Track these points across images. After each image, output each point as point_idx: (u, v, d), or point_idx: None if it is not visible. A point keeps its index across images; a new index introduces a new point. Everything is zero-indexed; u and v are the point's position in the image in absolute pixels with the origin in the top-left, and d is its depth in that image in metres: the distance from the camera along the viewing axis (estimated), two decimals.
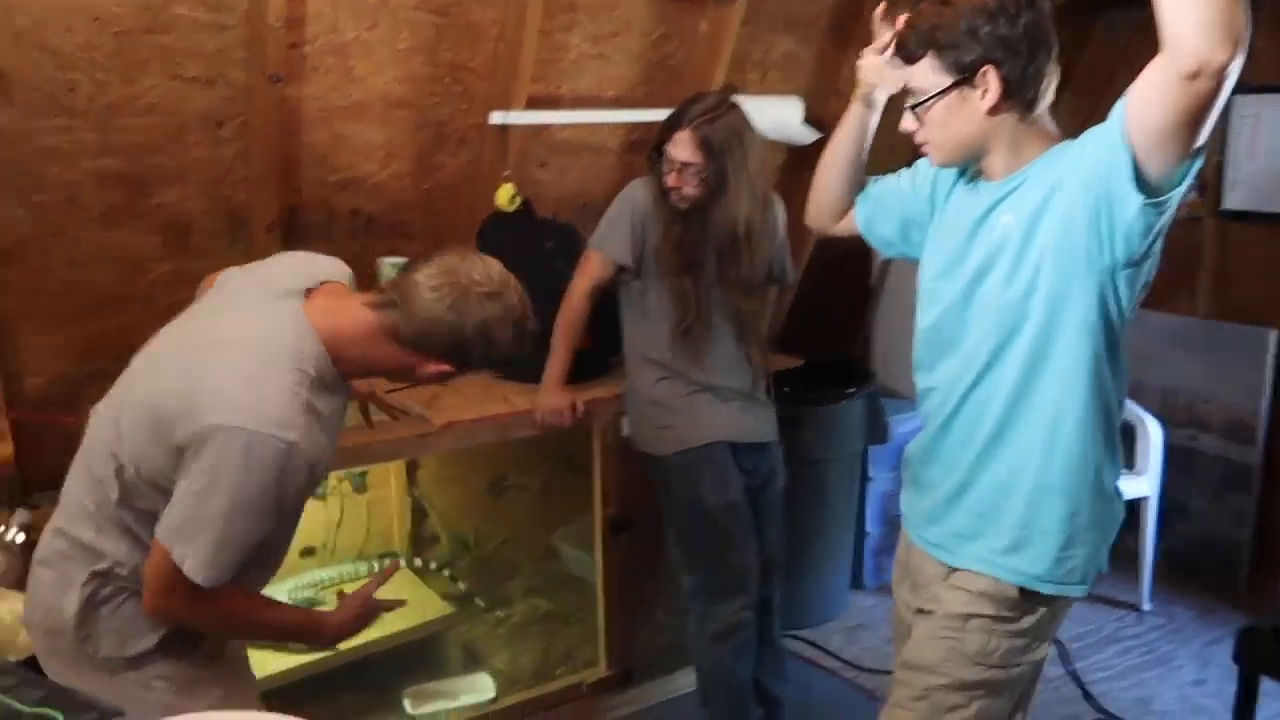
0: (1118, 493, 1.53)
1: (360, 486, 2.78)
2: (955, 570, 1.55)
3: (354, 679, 2.46)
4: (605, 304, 2.28)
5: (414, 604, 2.59)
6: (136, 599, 1.42)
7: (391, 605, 1.70)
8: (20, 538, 2.40)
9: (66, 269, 2.34)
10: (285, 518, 1.40)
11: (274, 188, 2.43)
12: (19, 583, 2.40)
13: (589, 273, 2.21)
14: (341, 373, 1.44)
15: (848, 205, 1.74)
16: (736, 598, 2.24)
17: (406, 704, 2.43)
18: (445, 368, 1.46)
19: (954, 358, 1.50)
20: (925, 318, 1.56)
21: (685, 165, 2.07)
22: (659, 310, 2.17)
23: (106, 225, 2.33)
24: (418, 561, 2.79)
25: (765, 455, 2.26)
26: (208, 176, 2.38)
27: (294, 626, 1.61)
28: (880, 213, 1.70)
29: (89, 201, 2.28)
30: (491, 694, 2.49)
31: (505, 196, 2.59)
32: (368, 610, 1.65)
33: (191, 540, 1.32)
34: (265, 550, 1.41)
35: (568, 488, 2.78)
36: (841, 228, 1.76)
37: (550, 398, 2.30)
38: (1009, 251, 1.42)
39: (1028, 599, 1.49)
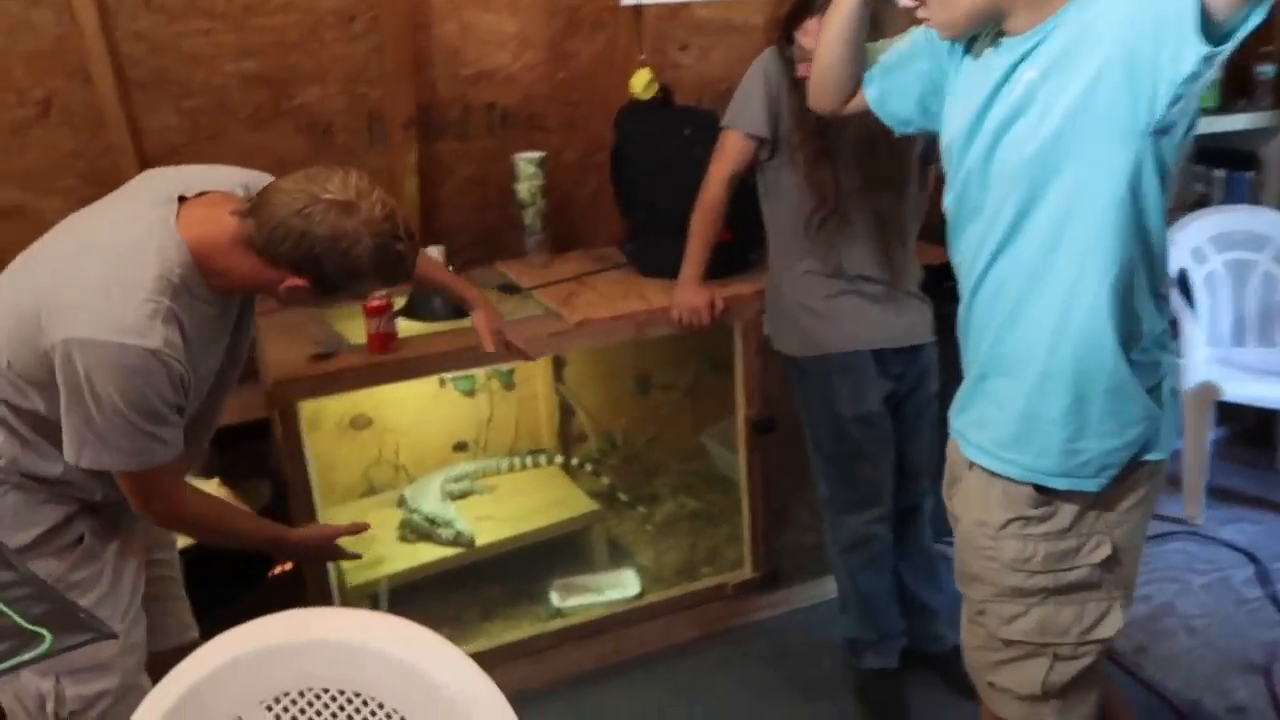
0: (1163, 386, 1.37)
1: (509, 384, 2.80)
2: (973, 464, 1.45)
3: (501, 572, 2.52)
4: (746, 194, 2.13)
5: (561, 500, 2.61)
6: (16, 492, 1.44)
7: (349, 555, 1.79)
8: None
9: None
10: (168, 405, 1.37)
11: (408, 84, 2.40)
12: (199, 470, 2.58)
13: (726, 156, 2.05)
14: (212, 285, 1.40)
15: (855, 85, 1.58)
16: (865, 510, 2.12)
17: (553, 597, 2.46)
18: (299, 282, 1.38)
19: (976, 226, 1.38)
20: (951, 189, 1.43)
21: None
22: (796, 198, 2.00)
23: (254, 127, 2.37)
24: (564, 459, 2.80)
25: (917, 358, 2.08)
26: (344, 74, 2.37)
27: (260, 534, 1.67)
28: (894, 88, 1.53)
29: (236, 104, 2.32)
30: (636, 590, 2.48)
31: (641, 83, 2.45)
32: (326, 544, 1.73)
33: (97, 452, 1.35)
34: (167, 439, 1.39)
35: (715, 386, 2.69)
36: (851, 108, 1.61)
37: (687, 295, 2.19)
38: (1032, 109, 1.27)
39: (1045, 495, 1.37)
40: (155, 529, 1.62)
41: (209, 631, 1.65)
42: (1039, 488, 1.37)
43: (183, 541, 2.28)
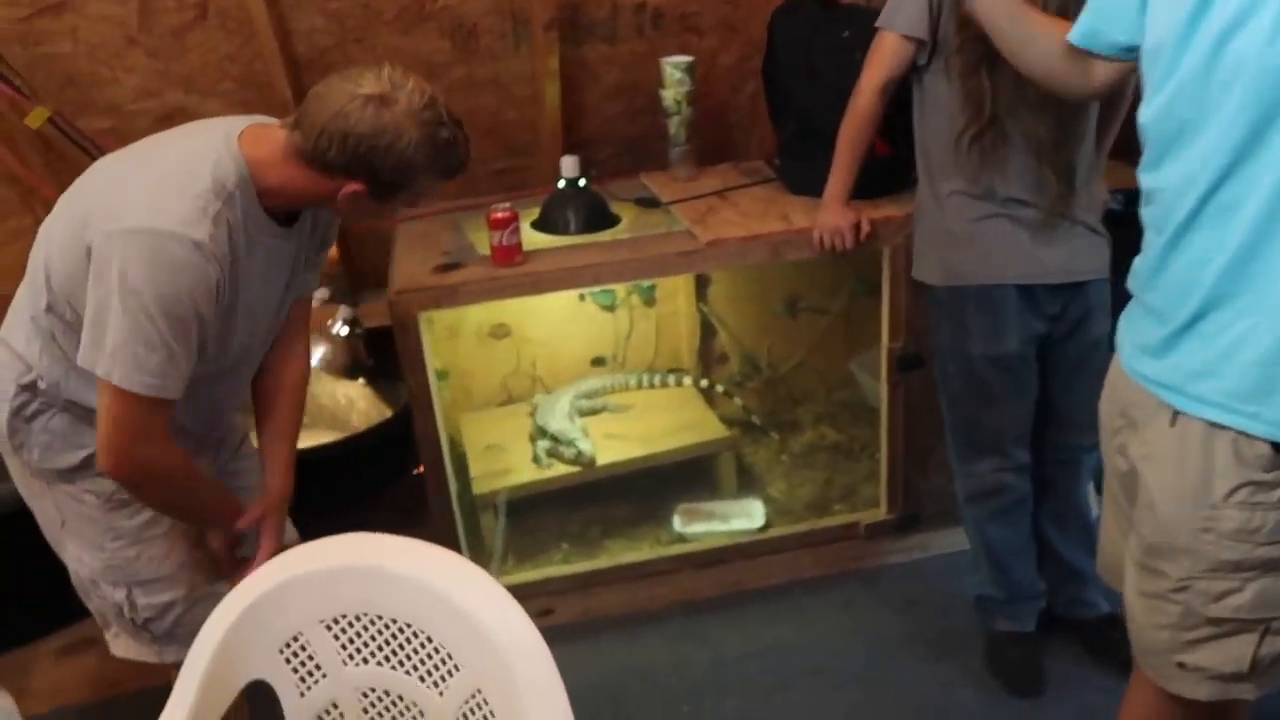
0: None
1: (649, 300, 2.72)
2: (1182, 415, 1.23)
3: (627, 491, 2.49)
4: (910, 104, 1.91)
5: (694, 423, 2.54)
6: (64, 415, 1.43)
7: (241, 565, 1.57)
8: (344, 330, 2.65)
9: None
10: (196, 319, 1.31)
11: None
12: (343, 370, 2.68)
13: (880, 61, 1.84)
14: (269, 208, 1.37)
15: (1081, 57, 1.37)
16: (992, 458, 1.92)
17: (676, 520, 2.41)
18: (355, 187, 1.32)
19: (1191, 148, 1.16)
20: (1152, 103, 1.21)
21: None
22: (950, 109, 1.77)
23: (400, 29, 2.34)
24: (704, 381, 2.71)
25: (1079, 296, 1.82)
26: None
27: (217, 506, 1.53)
28: (1106, 13, 1.31)
29: (382, 7, 2.29)
30: (761, 522, 2.40)
31: None
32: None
33: (115, 353, 1.28)
34: (179, 365, 1.33)
35: (871, 312, 2.50)
36: (1099, 78, 1.39)
37: (831, 215, 2.02)
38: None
39: None
40: (225, 444, 1.64)
41: (350, 527, 1.69)
42: (1278, 446, 1.18)
43: (320, 439, 2.41)
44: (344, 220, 1.45)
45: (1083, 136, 1.75)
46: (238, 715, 1.24)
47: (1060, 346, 1.86)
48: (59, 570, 2.29)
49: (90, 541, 1.49)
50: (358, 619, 1.17)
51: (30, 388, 1.42)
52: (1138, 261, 1.31)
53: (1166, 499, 1.27)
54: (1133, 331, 1.33)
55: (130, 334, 1.27)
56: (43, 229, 1.41)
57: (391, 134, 1.28)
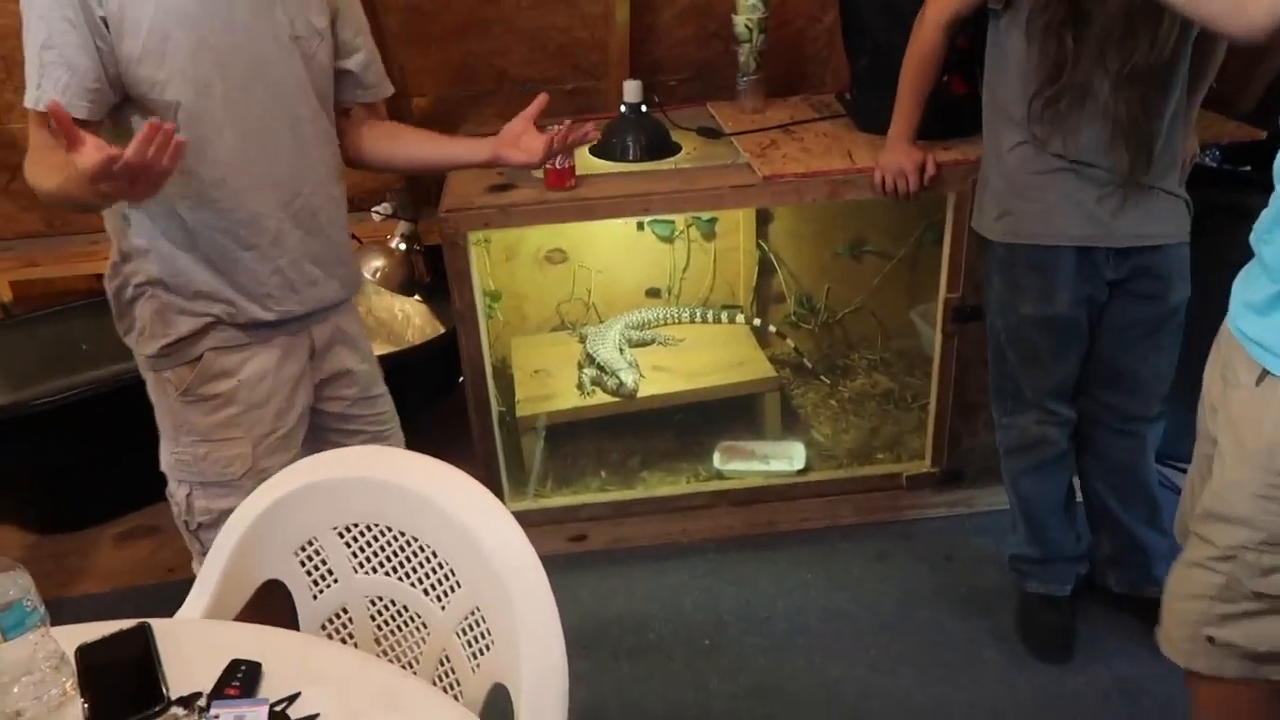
0: None
1: (709, 234, 2.68)
2: (1270, 376, 1.18)
3: (669, 424, 2.48)
4: (985, 39, 1.81)
5: (742, 361, 2.51)
6: (151, 300, 1.44)
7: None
8: (403, 246, 2.67)
9: None
10: (64, 20, 1.25)
11: None
12: (400, 285, 2.70)
13: (944, 1, 1.74)
14: None
15: None
16: (1030, 411, 1.86)
17: (716, 457, 2.41)
18: None
19: None
20: None
21: None
22: (1024, 61, 1.65)
23: None
24: (757, 320, 2.67)
25: (1154, 259, 1.71)
26: None
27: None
28: None
29: None
30: (801, 465, 2.37)
31: None
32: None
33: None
34: (84, 68, 1.27)
35: (937, 260, 2.43)
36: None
37: (894, 155, 1.94)
38: None
39: None
40: (330, 357, 1.60)
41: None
42: None
43: (375, 351, 2.45)
44: None
45: (1165, 112, 1.63)
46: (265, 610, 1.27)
47: (1130, 310, 1.77)
48: (119, 459, 2.40)
49: (168, 434, 1.52)
50: (369, 529, 1.20)
51: (116, 265, 1.45)
52: (1263, 214, 1.24)
53: (1235, 462, 1.23)
54: (1243, 287, 1.27)
55: (30, 50, 1.28)
56: None
57: None
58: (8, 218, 2.66)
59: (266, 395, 1.50)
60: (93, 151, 1.12)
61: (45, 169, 1.29)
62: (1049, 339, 1.79)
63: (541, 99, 1.72)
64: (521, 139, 1.70)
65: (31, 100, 1.29)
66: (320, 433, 1.63)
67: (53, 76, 1.27)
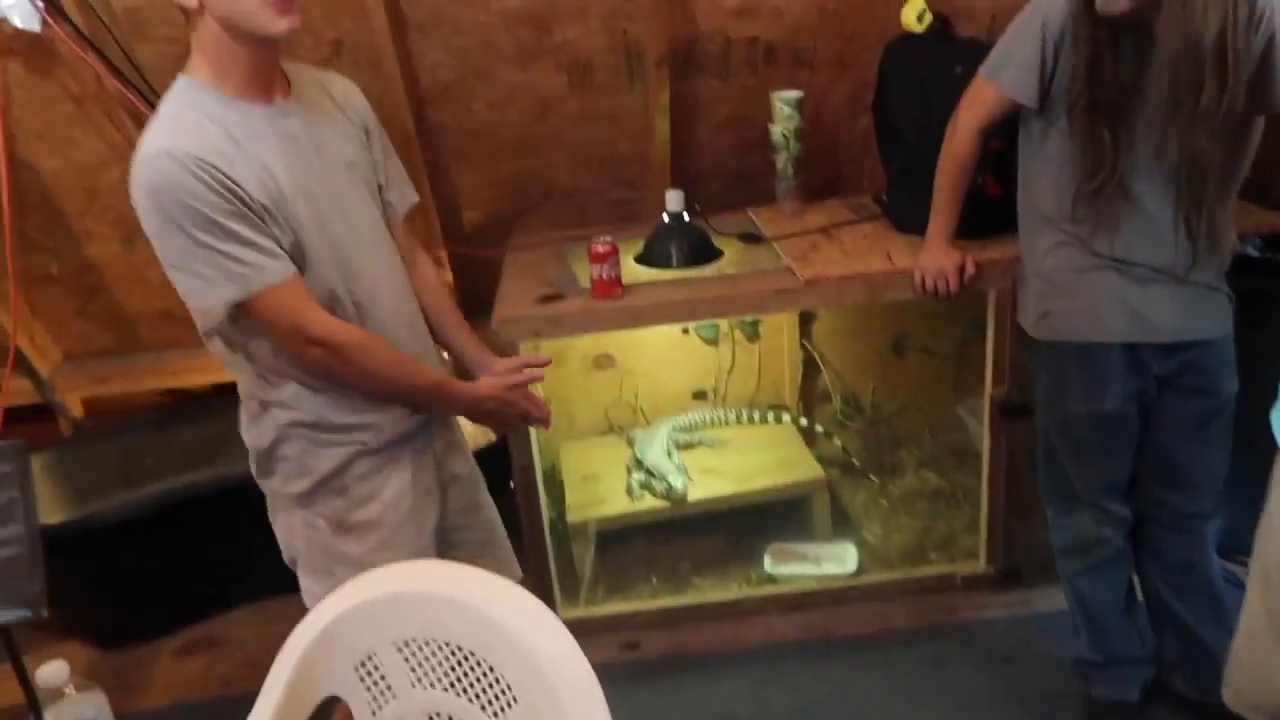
0: None
1: (752, 335, 2.72)
2: None
3: (718, 526, 2.48)
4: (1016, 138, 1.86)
5: (790, 462, 2.52)
6: (298, 440, 1.50)
7: (534, 419, 1.71)
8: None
9: (487, 110, 2.49)
10: (228, 214, 1.34)
11: (665, 18, 2.33)
12: None
13: (979, 106, 1.79)
14: (233, 91, 1.40)
15: None
16: (1088, 510, 1.84)
17: (767, 560, 2.39)
18: None
19: None
20: None
21: None
22: (1063, 159, 1.69)
23: (519, 65, 2.42)
24: (803, 420, 2.68)
25: (1194, 357, 1.72)
26: (604, 10, 2.34)
27: (423, 383, 1.55)
28: None
29: (501, 42, 2.37)
30: (854, 567, 2.35)
31: (912, 14, 2.21)
32: (502, 398, 1.62)
33: (191, 288, 1.37)
34: (250, 253, 1.36)
35: (981, 356, 2.44)
36: None
37: (933, 256, 1.98)
38: None
39: None
40: (448, 464, 1.67)
41: None
42: None
43: None
44: (246, 22, 1.38)
45: (1206, 204, 1.63)
46: None
47: (1179, 406, 1.76)
48: (180, 572, 2.45)
49: (321, 570, 1.56)
50: (427, 643, 1.21)
51: (257, 419, 1.52)
52: None
53: None
54: None
55: (184, 258, 1.35)
56: None
57: None
58: (84, 337, 2.78)
59: (410, 511, 1.57)
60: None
61: (394, 365, 1.48)
62: (1100, 435, 1.78)
63: (542, 367, 1.79)
64: (505, 376, 1.69)
65: (233, 293, 1.38)
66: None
67: (254, 268, 1.37)
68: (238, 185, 1.35)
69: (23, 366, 2.70)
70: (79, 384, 2.79)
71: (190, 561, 2.45)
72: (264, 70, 1.43)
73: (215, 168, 1.34)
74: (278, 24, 1.36)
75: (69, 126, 2.36)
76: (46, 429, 2.82)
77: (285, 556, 1.63)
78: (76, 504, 2.57)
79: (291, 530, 1.57)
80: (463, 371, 1.79)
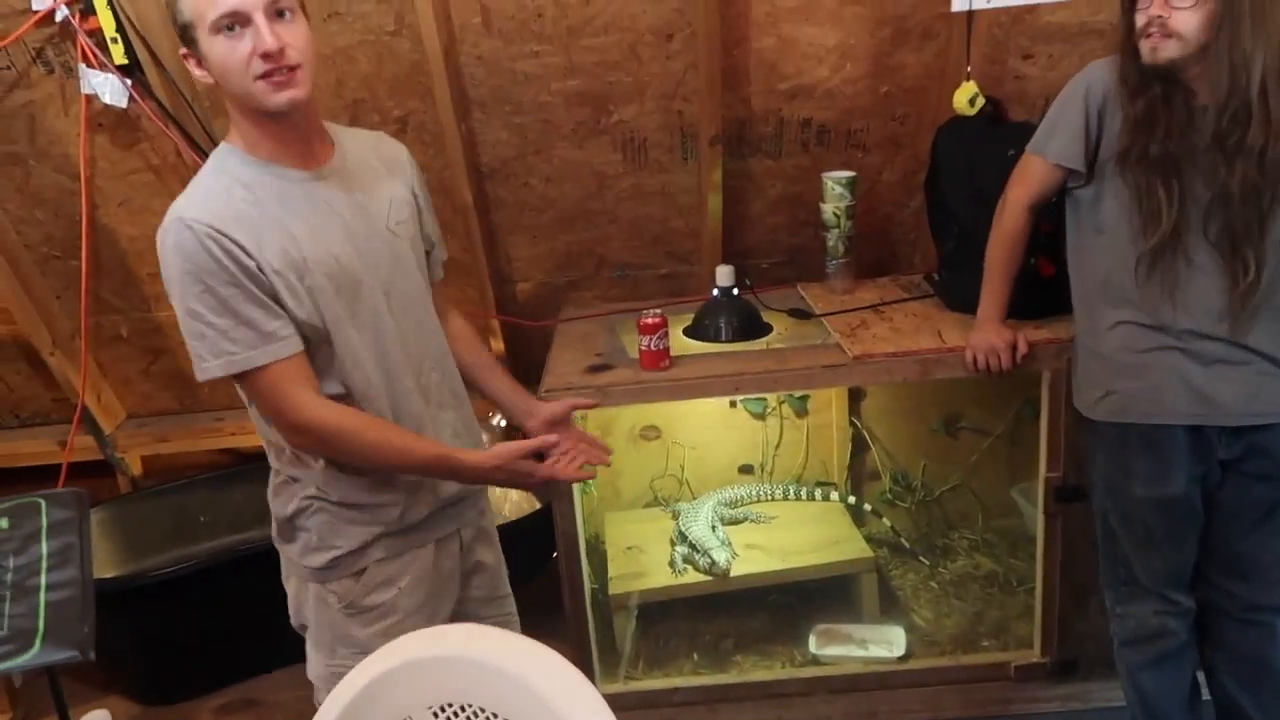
0: None
1: (801, 410, 2.70)
2: None
3: (763, 604, 2.43)
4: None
5: (837, 540, 2.48)
6: (320, 514, 1.48)
7: (552, 475, 1.57)
8: (503, 423, 2.76)
9: (544, 185, 2.56)
10: (230, 284, 1.34)
11: (719, 99, 2.38)
12: None
13: (1027, 182, 1.80)
14: (266, 156, 1.40)
15: None
16: (1147, 599, 1.78)
17: (812, 641, 2.34)
18: (183, 51, 1.38)
19: None
20: None
21: None
22: (1116, 226, 1.68)
23: (575, 143, 2.49)
24: (851, 498, 2.64)
25: (1266, 440, 1.67)
26: (660, 91, 2.41)
27: (423, 455, 1.46)
28: None
29: (560, 121, 2.45)
30: (902, 651, 2.28)
31: (964, 98, 2.23)
32: (513, 468, 1.48)
33: (198, 358, 1.37)
34: (247, 332, 1.36)
35: (1035, 437, 2.39)
36: None
37: (985, 334, 1.96)
38: None
39: None
40: (473, 552, 1.64)
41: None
42: None
43: None
44: (242, 96, 1.37)
45: (1268, 257, 1.60)
46: None
47: (1244, 492, 1.71)
48: (223, 631, 2.47)
49: (324, 646, 1.54)
50: (464, 709, 1.20)
51: (282, 489, 1.51)
52: None
53: None
54: None
55: (191, 328, 1.36)
56: None
57: None
58: (146, 397, 2.87)
59: (425, 598, 1.54)
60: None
61: (386, 446, 1.43)
62: (1164, 521, 1.73)
63: (588, 403, 1.85)
64: (555, 426, 1.68)
65: (230, 365, 1.37)
66: None
67: (257, 345, 1.37)
68: (250, 255, 1.34)
69: (88, 423, 2.78)
70: (140, 442, 2.86)
71: (235, 621, 2.47)
72: (292, 138, 1.42)
73: (228, 237, 1.33)
74: (275, 99, 1.34)
75: (148, 196, 2.47)
76: (106, 484, 2.89)
77: (293, 621, 1.59)
78: (129, 559, 2.62)
79: (303, 601, 1.55)
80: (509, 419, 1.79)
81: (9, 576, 0.78)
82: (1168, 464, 1.69)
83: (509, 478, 1.52)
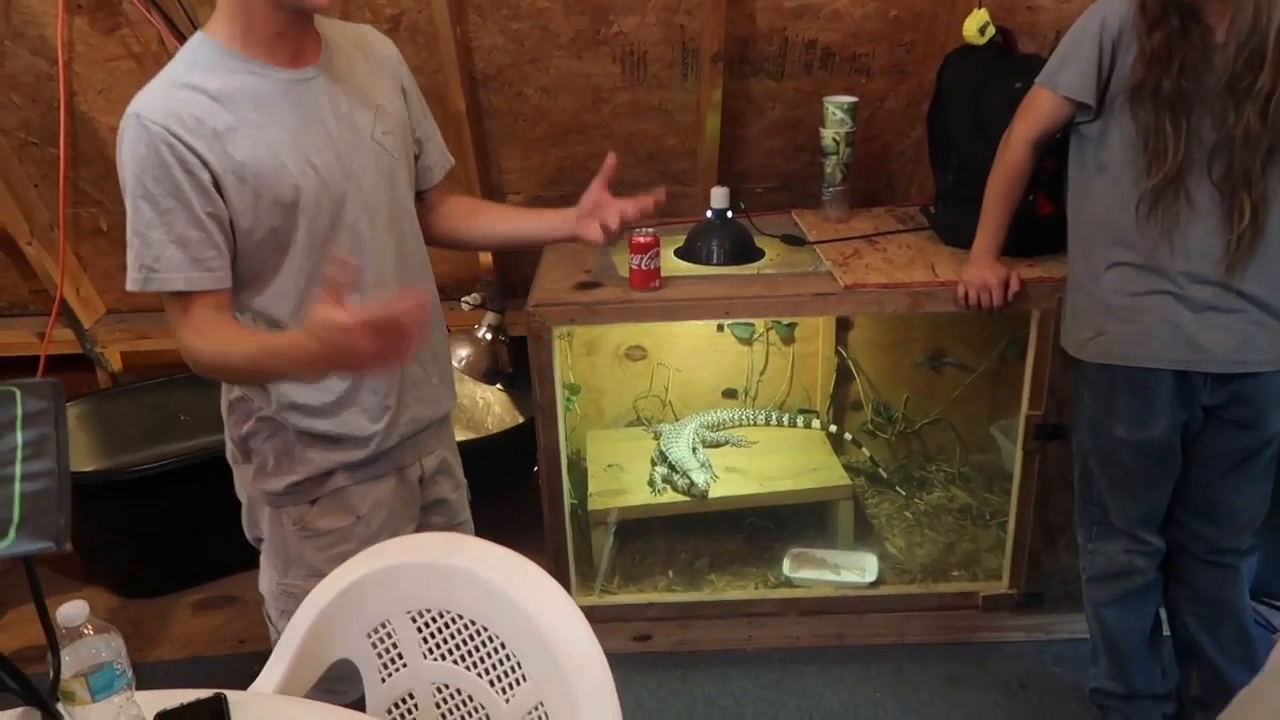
0: None
1: (787, 338, 2.70)
2: None
3: (739, 526, 2.47)
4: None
5: (816, 467, 2.50)
6: (277, 437, 1.43)
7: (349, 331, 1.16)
8: (488, 336, 2.75)
9: (539, 96, 2.49)
10: (173, 197, 1.26)
11: (723, 15, 2.32)
12: (484, 374, 2.78)
13: (1034, 116, 1.76)
14: (253, 52, 1.31)
15: None
16: (1118, 538, 1.81)
17: (785, 564, 2.37)
18: None
19: None
20: None
21: None
22: (1121, 164, 1.66)
23: (573, 53, 2.42)
24: (832, 426, 2.66)
25: (1245, 389, 1.68)
26: (663, 3, 2.34)
27: (248, 353, 1.31)
28: None
29: (558, 29, 2.38)
30: (874, 577, 2.33)
31: (974, 26, 2.17)
32: (321, 329, 1.15)
33: (131, 264, 1.29)
34: (196, 239, 1.28)
35: (1019, 374, 2.40)
36: None
37: (978, 270, 1.95)
38: None
39: None
40: (433, 486, 1.60)
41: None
42: None
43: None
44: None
45: (1263, 184, 1.58)
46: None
47: (1224, 438, 1.73)
48: (204, 529, 2.48)
49: (277, 565, 1.51)
50: (440, 615, 1.22)
51: (236, 406, 1.45)
52: None
53: None
54: None
55: (129, 232, 1.28)
56: None
57: None
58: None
59: (380, 527, 1.50)
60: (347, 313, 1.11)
61: (225, 342, 1.30)
62: (1143, 464, 1.75)
63: (610, 161, 1.66)
64: (598, 210, 1.61)
65: (153, 282, 1.29)
66: None
67: (179, 266, 1.28)
68: (208, 167, 1.27)
69: (67, 316, 2.74)
70: (119, 337, 2.83)
71: (213, 518, 2.47)
72: (292, 35, 1.34)
73: (184, 143, 1.25)
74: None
75: (129, 85, 2.39)
76: (85, 379, 2.87)
77: (248, 534, 1.56)
78: (107, 454, 2.62)
79: (257, 516, 1.52)
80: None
81: None
82: (1151, 407, 1.70)
83: (320, 348, 1.18)
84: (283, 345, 1.27)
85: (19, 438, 0.82)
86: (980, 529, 2.48)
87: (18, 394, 0.85)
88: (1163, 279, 1.66)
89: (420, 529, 1.60)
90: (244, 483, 1.51)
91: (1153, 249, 1.66)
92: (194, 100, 1.27)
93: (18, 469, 0.78)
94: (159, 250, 1.27)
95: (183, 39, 2.23)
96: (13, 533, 0.72)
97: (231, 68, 1.31)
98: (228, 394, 1.47)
